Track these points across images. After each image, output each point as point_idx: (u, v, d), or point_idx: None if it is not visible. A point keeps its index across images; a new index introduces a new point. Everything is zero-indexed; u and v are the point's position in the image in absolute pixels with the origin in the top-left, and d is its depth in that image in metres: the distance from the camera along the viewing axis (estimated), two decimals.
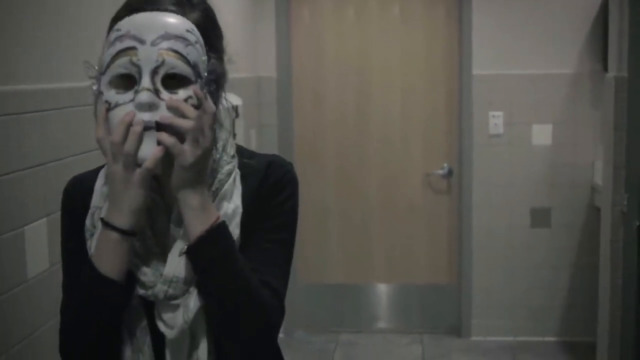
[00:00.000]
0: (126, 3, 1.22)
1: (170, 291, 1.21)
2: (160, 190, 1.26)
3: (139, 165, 1.15)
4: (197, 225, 1.18)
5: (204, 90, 1.18)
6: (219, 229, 1.20)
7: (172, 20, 1.16)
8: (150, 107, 1.13)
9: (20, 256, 1.77)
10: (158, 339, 1.25)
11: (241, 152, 1.34)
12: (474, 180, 4.55)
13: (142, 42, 1.14)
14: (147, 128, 1.13)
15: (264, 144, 4.53)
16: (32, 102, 1.83)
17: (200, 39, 1.19)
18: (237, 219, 1.25)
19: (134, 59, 1.14)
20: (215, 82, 1.22)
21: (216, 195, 1.25)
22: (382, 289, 4.85)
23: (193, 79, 1.17)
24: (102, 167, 1.32)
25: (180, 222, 1.22)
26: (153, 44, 1.14)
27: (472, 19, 4.46)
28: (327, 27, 4.69)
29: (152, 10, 1.17)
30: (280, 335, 1.63)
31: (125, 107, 1.14)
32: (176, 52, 1.15)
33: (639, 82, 3.25)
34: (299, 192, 1.34)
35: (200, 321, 1.23)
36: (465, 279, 4.63)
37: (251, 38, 4.46)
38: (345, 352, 4.53)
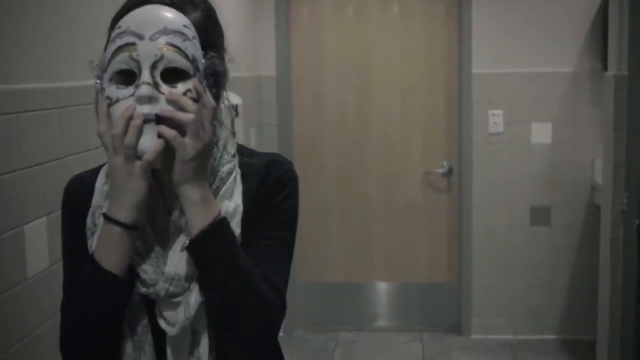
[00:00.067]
0: (126, 2, 1.23)
1: (172, 289, 1.21)
2: (160, 189, 1.27)
3: (140, 158, 1.15)
4: (198, 219, 1.18)
5: (203, 85, 1.19)
6: (221, 223, 1.20)
7: (170, 15, 1.17)
8: (150, 100, 1.14)
9: (20, 255, 1.78)
10: (159, 336, 1.26)
11: (241, 151, 1.34)
12: (473, 179, 4.56)
13: (141, 37, 1.15)
14: (147, 121, 1.14)
15: (263, 143, 4.53)
16: (32, 101, 1.83)
17: (197, 34, 1.20)
18: (238, 218, 1.25)
19: (134, 54, 1.15)
20: (216, 80, 1.23)
21: (217, 194, 1.25)
22: (382, 288, 4.86)
23: (192, 73, 1.18)
24: (103, 166, 1.32)
25: (181, 220, 1.22)
26: (152, 39, 1.15)
27: (472, 18, 4.46)
28: (326, 26, 4.69)
29: (151, 3, 1.19)
30: (280, 333, 1.64)
31: (126, 101, 1.15)
32: (175, 46, 1.16)
33: (639, 80, 3.25)
34: (299, 190, 1.35)
35: (201, 318, 1.23)
36: (465, 277, 4.63)
37: (251, 37, 4.46)
38: (345, 350, 4.53)
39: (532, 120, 4.49)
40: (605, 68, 3.86)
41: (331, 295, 4.84)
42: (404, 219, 4.75)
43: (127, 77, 1.17)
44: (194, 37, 1.19)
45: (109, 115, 1.17)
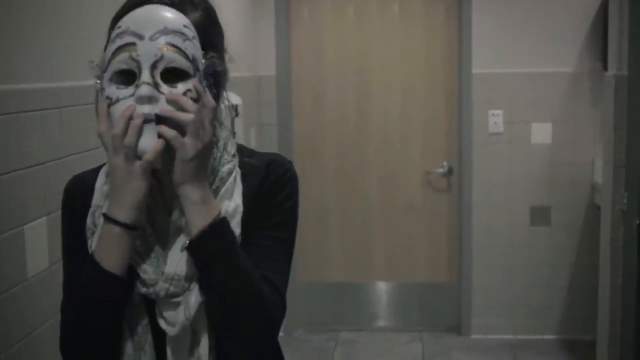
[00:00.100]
0: (126, 2, 1.23)
1: (172, 289, 1.21)
2: (160, 189, 1.27)
3: (140, 158, 1.16)
4: (198, 219, 1.18)
5: (203, 84, 1.19)
6: (221, 223, 1.20)
7: (170, 15, 1.18)
8: (150, 100, 1.14)
9: (20, 255, 1.78)
10: (159, 336, 1.26)
11: (241, 151, 1.34)
12: (473, 179, 4.56)
13: (141, 37, 1.15)
14: (147, 120, 1.15)
15: (263, 143, 4.53)
16: (32, 101, 1.83)
17: (197, 34, 1.20)
18: (238, 218, 1.25)
19: (134, 54, 1.15)
20: (216, 80, 1.23)
21: (217, 194, 1.25)
22: (382, 288, 4.86)
23: (192, 73, 1.18)
24: (103, 166, 1.32)
25: (181, 220, 1.22)
26: (152, 38, 1.15)
27: (472, 18, 4.46)
28: (326, 26, 4.69)
29: (151, 3, 1.19)
30: (280, 333, 1.64)
31: (126, 101, 1.15)
32: (175, 46, 1.16)
33: (639, 80, 3.25)
34: (299, 190, 1.35)
35: (201, 318, 1.23)
36: (465, 277, 4.63)
37: (251, 37, 4.46)
38: (345, 350, 4.53)
39: (532, 120, 4.49)
40: (605, 68, 3.86)
41: (331, 295, 4.84)
42: (404, 219, 4.75)
43: (127, 77, 1.17)
44: (194, 37, 1.19)
45: (109, 115, 1.17)
